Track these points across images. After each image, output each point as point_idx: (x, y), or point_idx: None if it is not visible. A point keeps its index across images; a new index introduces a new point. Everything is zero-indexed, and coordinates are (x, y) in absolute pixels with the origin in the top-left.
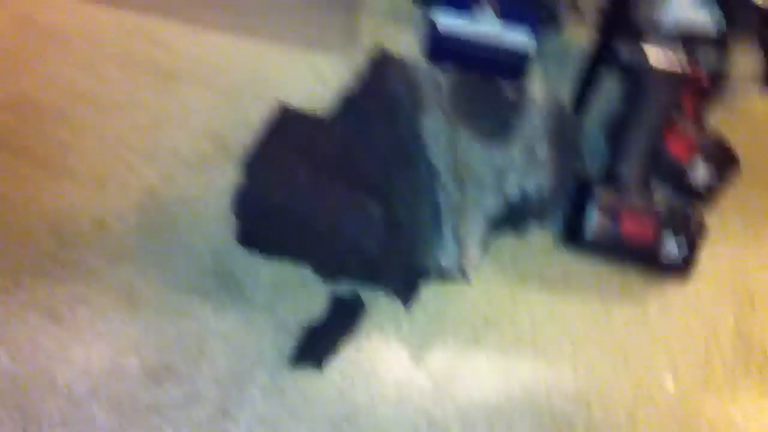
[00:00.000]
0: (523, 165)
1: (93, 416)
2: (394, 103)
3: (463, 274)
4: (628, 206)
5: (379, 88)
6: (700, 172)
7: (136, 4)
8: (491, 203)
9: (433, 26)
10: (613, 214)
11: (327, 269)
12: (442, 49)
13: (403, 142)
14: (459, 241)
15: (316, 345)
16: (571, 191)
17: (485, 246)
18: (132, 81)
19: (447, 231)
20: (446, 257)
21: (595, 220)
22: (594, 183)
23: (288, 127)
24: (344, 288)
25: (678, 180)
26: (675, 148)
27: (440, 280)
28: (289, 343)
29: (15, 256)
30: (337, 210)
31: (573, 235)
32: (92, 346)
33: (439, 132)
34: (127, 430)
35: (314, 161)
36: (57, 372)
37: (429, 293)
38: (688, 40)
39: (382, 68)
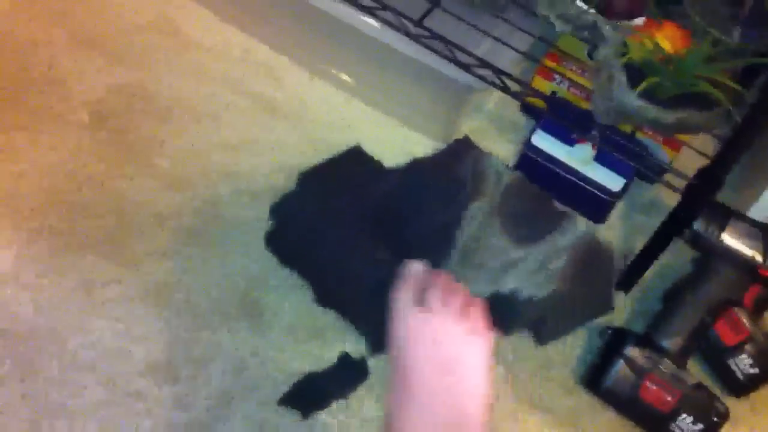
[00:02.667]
0: (529, 271)
1: (85, 386)
2: (456, 184)
3: None
4: (656, 371)
5: (449, 166)
6: (744, 362)
7: (267, 38)
8: (480, 285)
9: (528, 143)
10: (638, 372)
11: (326, 297)
12: (531, 166)
13: (443, 222)
14: None
15: (310, 394)
16: (608, 336)
17: None
18: (236, 103)
19: None
20: None
21: (618, 371)
22: (631, 335)
23: (351, 163)
24: (354, 350)
25: (719, 363)
26: (724, 331)
27: None
28: (287, 383)
29: (77, 223)
30: (356, 251)
31: (592, 378)
32: (110, 324)
33: (476, 218)
34: (111, 408)
35: (358, 200)
36: (70, 337)
37: None
38: None
39: (460, 152)
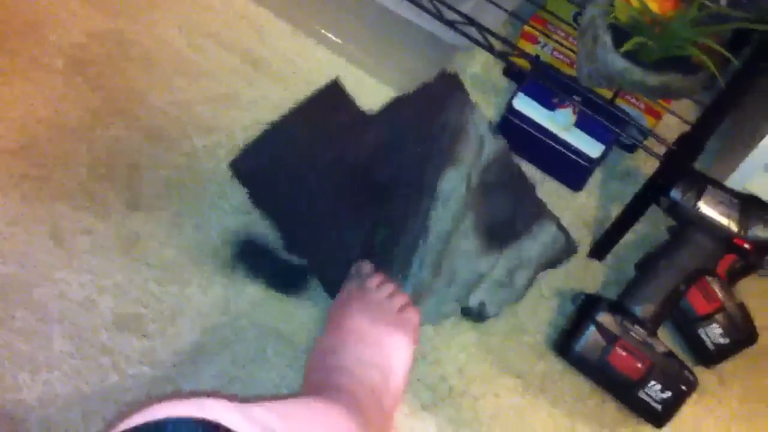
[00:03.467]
0: (497, 284)
1: (51, 339)
2: (435, 134)
3: None
4: (627, 338)
5: (431, 109)
6: (714, 332)
7: None
8: (449, 305)
9: (509, 106)
10: (608, 338)
11: (294, 247)
12: (511, 130)
13: (419, 179)
14: None
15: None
16: (580, 302)
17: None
18: (221, 57)
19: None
20: None
21: (588, 337)
22: (603, 301)
23: (331, 102)
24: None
25: (690, 332)
26: (696, 300)
27: None
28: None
29: (50, 171)
30: (335, 207)
31: (563, 343)
32: (77, 275)
33: (451, 199)
34: (76, 361)
35: (338, 146)
36: (36, 287)
37: None
38: (746, 203)
39: (445, 93)
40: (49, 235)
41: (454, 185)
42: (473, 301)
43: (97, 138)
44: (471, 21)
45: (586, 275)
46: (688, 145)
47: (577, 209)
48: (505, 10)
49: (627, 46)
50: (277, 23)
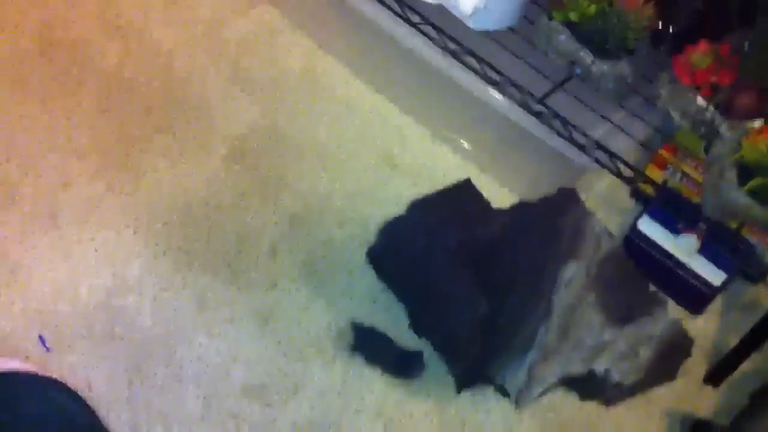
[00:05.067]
0: (621, 354)
1: (185, 398)
2: (558, 233)
3: (517, 402)
4: None
5: (553, 214)
6: None
7: (397, 98)
8: (576, 365)
9: (634, 227)
10: None
11: (419, 326)
12: (634, 251)
13: (540, 271)
14: (530, 376)
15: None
16: (691, 427)
17: (545, 392)
18: (361, 154)
19: (527, 361)
20: (511, 382)
21: None
22: (712, 428)
23: (463, 196)
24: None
25: None
26: None
27: (498, 394)
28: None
29: (200, 245)
30: (456, 287)
31: None
32: (216, 343)
33: (573, 283)
34: (205, 422)
35: (464, 236)
36: (179, 348)
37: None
38: None
39: (564, 203)
40: (195, 303)
41: (574, 274)
42: (598, 367)
43: (244, 219)
44: (601, 146)
45: (699, 400)
46: None
47: (694, 334)
48: (636, 140)
49: (750, 185)
50: (418, 130)
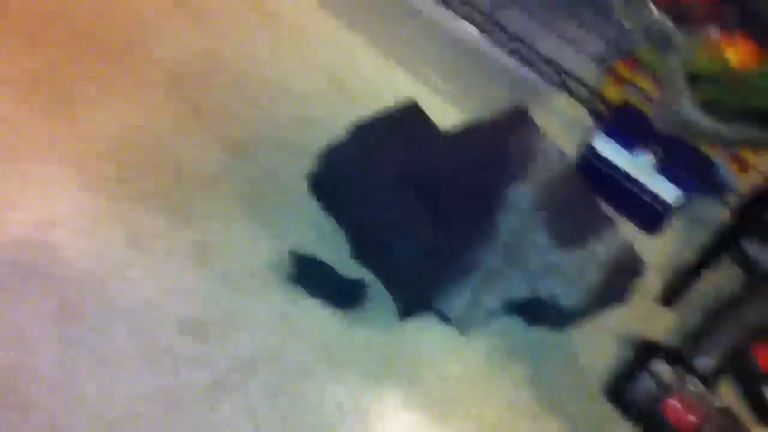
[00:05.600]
0: (569, 277)
1: (116, 335)
2: (507, 155)
3: (460, 329)
4: (684, 391)
5: (502, 134)
6: None
7: (349, 18)
8: (521, 288)
9: (589, 146)
10: (663, 388)
11: (362, 254)
12: (590, 169)
13: (487, 193)
14: (473, 301)
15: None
16: (638, 348)
17: (489, 318)
18: (310, 80)
19: (469, 286)
20: (454, 308)
21: (642, 385)
22: (661, 350)
23: (408, 119)
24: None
25: (752, 389)
26: (762, 357)
27: (439, 320)
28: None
29: (135, 175)
30: (398, 213)
31: (615, 387)
32: (150, 277)
33: (520, 205)
34: (138, 360)
35: (408, 160)
36: (111, 284)
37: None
38: None
39: (515, 122)
40: (127, 236)
41: (522, 195)
42: (544, 290)
43: (182, 148)
44: (550, 62)
45: (654, 322)
46: (765, 197)
47: (651, 254)
48: (592, 55)
49: (702, 99)
50: (366, 50)
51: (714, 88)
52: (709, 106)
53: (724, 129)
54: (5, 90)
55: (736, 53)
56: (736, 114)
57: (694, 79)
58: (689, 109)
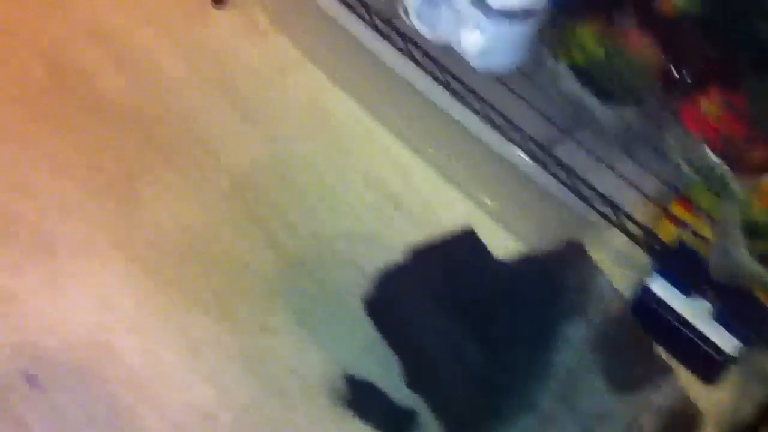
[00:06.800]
0: (623, 425)
1: None
2: (563, 290)
3: None
4: None
5: (558, 268)
6: None
7: (408, 138)
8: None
9: (645, 288)
10: None
11: (414, 381)
12: (644, 310)
13: (541, 329)
14: None
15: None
16: None
17: None
18: (367, 196)
19: (520, 426)
20: None
21: None
22: None
23: (463, 247)
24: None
25: None
26: None
27: None
28: None
29: (195, 282)
30: (451, 344)
31: None
32: (204, 386)
33: (575, 344)
34: None
35: (461, 289)
36: (167, 391)
37: None
38: None
39: (570, 258)
40: (184, 343)
41: (577, 334)
42: None
43: (242, 258)
44: (605, 199)
45: None
46: None
47: (707, 405)
48: (645, 194)
49: (757, 249)
50: (423, 169)
51: None
52: (765, 258)
53: None
54: (74, 186)
55: None
56: None
57: (752, 228)
58: (746, 258)
